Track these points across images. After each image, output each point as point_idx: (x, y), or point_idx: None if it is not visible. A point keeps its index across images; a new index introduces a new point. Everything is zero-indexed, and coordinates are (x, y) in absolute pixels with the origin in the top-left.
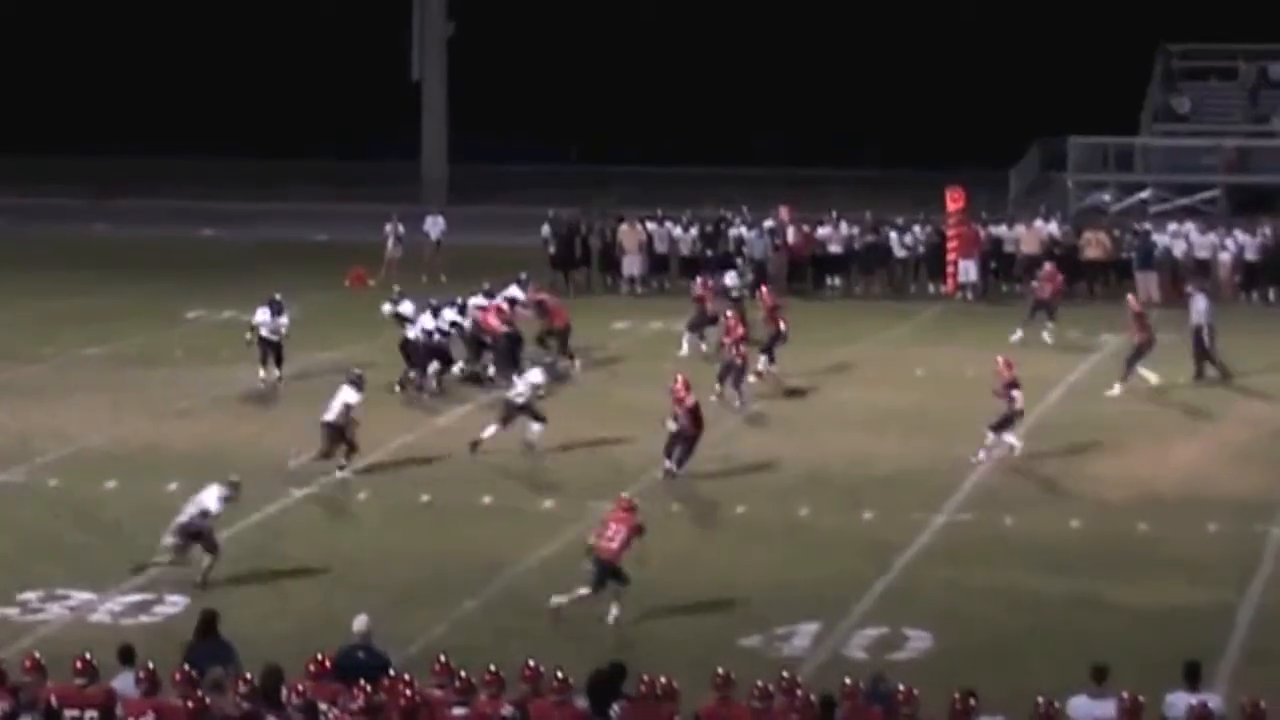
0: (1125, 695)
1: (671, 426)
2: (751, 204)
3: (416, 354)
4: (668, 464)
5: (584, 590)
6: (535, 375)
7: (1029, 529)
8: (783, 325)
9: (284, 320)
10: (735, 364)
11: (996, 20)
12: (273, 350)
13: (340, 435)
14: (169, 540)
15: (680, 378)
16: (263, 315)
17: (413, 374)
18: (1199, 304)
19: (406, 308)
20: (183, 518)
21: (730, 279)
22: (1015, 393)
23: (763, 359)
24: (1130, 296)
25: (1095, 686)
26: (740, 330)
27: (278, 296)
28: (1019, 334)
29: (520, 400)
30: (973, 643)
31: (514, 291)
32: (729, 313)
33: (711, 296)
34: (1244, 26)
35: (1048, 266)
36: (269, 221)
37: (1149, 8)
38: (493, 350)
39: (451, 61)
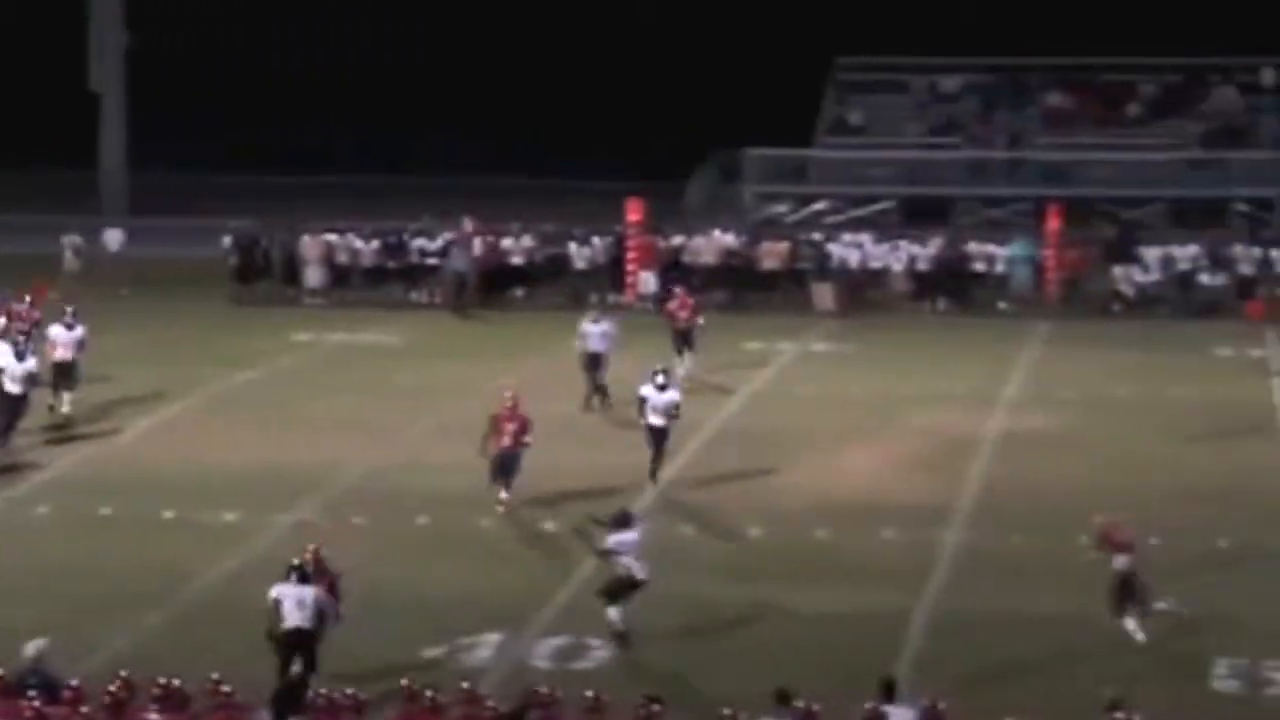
0: (801, 704)
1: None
2: (434, 215)
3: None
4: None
5: None
6: None
7: (709, 537)
8: None
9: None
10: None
11: (673, 33)
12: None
13: None
14: None
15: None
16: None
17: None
18: (597, 328)
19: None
20: None
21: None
22: None
23: None
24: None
25: (780, 708)
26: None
27: None
28: None
29: None
30: (654, 651)
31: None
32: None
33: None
34: (914, 41)
35: None
36: None
37: (821, 22)
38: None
39: (130, 72)
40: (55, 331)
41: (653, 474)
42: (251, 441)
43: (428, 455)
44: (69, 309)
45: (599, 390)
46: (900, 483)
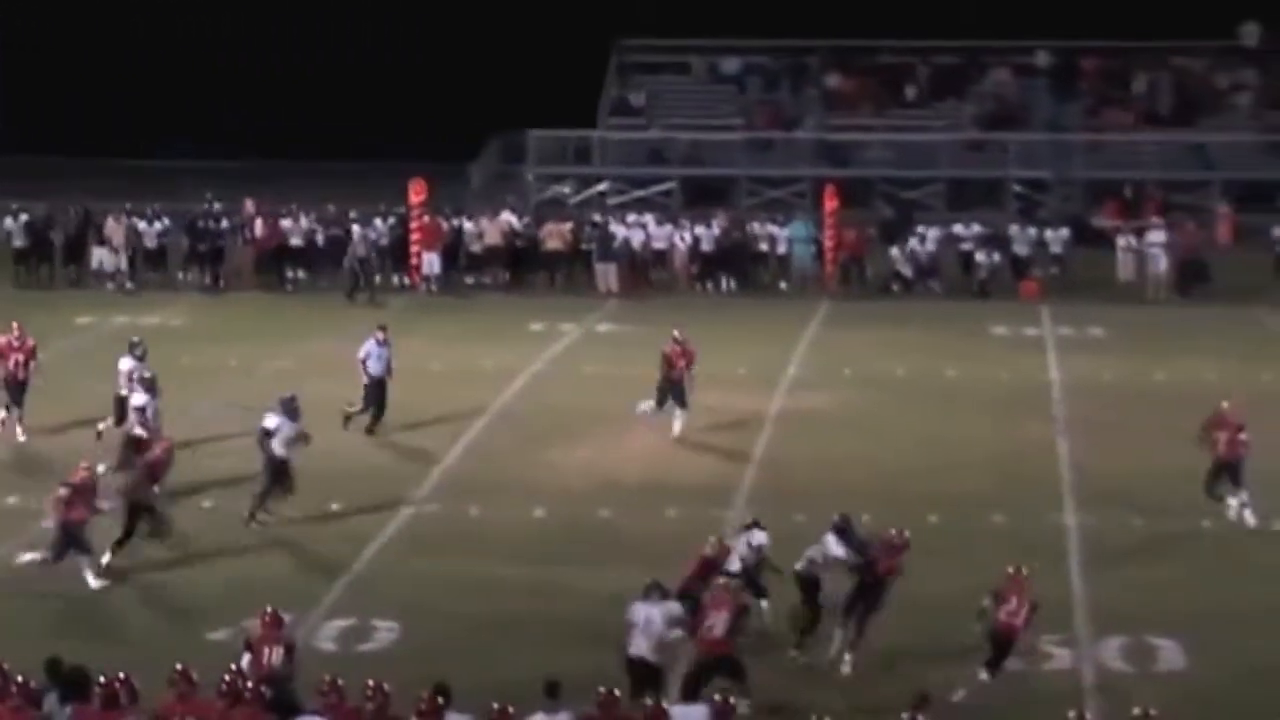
0: (605, 691)
1: None
2: (217, 196)
3: None
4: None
5: None
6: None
7: (495, 518)
8: None
9: None
10: None
11: (457, 13)
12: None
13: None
14: None
15: None
16: None
17: None
18: (386, 351)
19: None
20: None
21: None
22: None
23: None
24: None
25: (549, 701)
26: None
27: None
28: None
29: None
30: (440, 632)
31: None
32: None
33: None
34: (695, 22)
35: None
36: None
37: (603, 3)
38: None
39: None
40: None
41: None
42: (35, 420)
43: (212, 438)
44: None
45: (378, 409)
46: (684, 462)
